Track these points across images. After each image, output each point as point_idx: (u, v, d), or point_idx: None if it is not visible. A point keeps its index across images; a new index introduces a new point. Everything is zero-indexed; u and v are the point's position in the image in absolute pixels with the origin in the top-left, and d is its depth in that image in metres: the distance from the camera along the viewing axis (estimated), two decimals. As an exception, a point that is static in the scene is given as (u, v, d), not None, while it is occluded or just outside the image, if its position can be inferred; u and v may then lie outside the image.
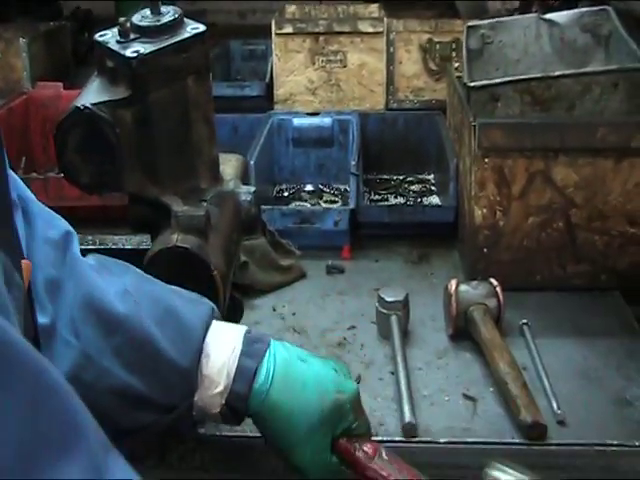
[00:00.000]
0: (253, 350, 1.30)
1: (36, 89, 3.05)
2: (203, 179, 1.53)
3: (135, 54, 1.41)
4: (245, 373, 1.29)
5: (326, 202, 2.70)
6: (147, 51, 1.42)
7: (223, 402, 1.30)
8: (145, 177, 1.46)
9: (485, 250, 2.12)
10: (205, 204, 1.48)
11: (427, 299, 2.11)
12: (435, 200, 2.68)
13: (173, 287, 1.32)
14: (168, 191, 1.47)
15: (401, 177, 2.86)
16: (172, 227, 1.40)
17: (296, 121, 2.84)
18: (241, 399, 1.30)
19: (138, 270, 1.34)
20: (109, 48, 1.45)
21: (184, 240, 1.37)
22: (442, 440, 1.64)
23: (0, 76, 3.39)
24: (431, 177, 2.84)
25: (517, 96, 2.21)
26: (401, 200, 2.70)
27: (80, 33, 4.20)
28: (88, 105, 1.40)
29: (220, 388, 1.28)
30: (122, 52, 1.43)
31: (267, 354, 1.31)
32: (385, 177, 2.86)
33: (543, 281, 2.13)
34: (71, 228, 1.36)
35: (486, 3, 4.17)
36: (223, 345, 1.29)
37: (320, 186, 2.80)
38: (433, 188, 2.77)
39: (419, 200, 2.68)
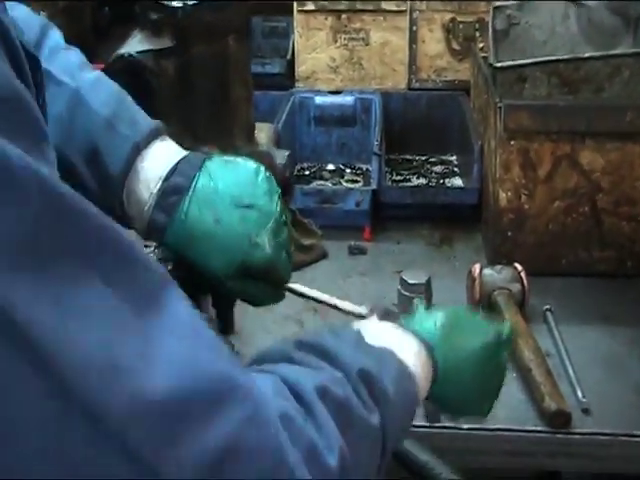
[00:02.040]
0: (166, 205, 1.16)
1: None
2: (239, 138, 1.54)
3: (181, 4, 1.41)
4: (156, 228, 1.17)
5: (347, 182, 2.67)
6: (191, 3, 1.42)
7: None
8: (183, 129, 1.45)
9: (509, 234, 2.09)
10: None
11: (449, 282, 2.08)
12: (458, 182, 2.65)
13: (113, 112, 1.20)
14: (205, 145, 1.46)
15: (423, 158, 2.83)
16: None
17: (318, 99, 2.81)
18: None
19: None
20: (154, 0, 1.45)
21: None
22: (465, 426, 1.62)
23: (20, 50, 3.37)
24: (454, 158, 2.81)
25: (544, 77, 2.18)
26: (423, 181, 2.67)
27: (100, 8, 4.17)
28: (132, 53, 1.40)
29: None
30: (167, 3, 1.43)
31: (179, 211, 1.15)
32: (407, 157, 2.83)
33: (568, 266, 2.10)
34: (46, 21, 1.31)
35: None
36: (141, 191, 1.17)
37: (341, 166, 2.78)
38: (456, 169, 2.74)
39: (442, 181, 2.65)
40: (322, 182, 2.67)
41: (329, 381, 0.85)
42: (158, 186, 1.16)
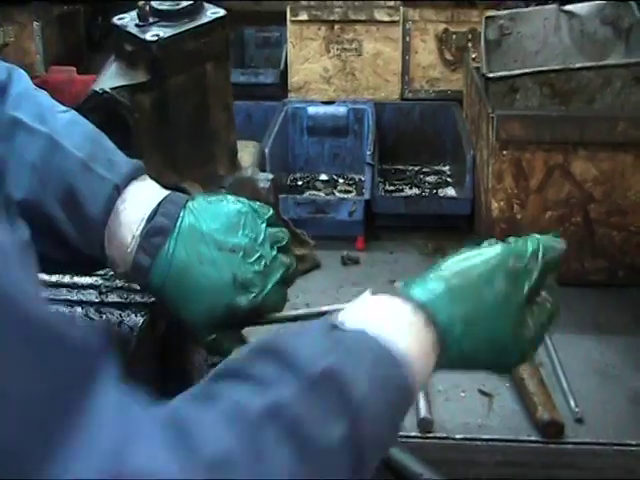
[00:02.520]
0: (150, 246, 1.13)
1: (50, 73, 3.02)
2: (221, 166, 1.51)
3: (155, 38, 1.38)
4: (140, 270, 1.14)
5: (340, 192, 2.67)
6: (167, 35, 1.39)
7: None
8: (163, 163, 1.43)
9: (502, 243, 2.09)
10: (223, 191, 1.45)
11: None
12: (451, 192, 2.66)
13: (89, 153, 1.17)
14: (186, 178, 1.44)
15: (416, 168, 2.84)
16: (190, 215, 1.38)
17: (311, 109, 2.82)
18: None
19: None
20: (128, 32, 1.42)
21: (202, 228, 1.35)
22: (458, 436, 1.62)
23: (13, 59, 3.35)
24: (447, 168, 2.82)
25: (536, 88, 2.19)
26: (416, 191, 2.67)
27: (94, 17, 4.17)
28: (107, 89, 1.37)
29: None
30: (141, 36, 1.40)
31: (163, 252, 1.13)
32: (400, 167, 2.84)
33: (560, 276, 2.08)
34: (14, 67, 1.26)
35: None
36: (123, 233, 1.14)
37: (334, 176, 2.78)
38: (449, 179, 2.75)
39: (435, 192, 2.66)
40: (315, 192, 2.68)
41: (278, 401, 0.78)
42: (141, 228, 1.12)
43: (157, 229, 1.12)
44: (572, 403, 1.66)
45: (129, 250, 1.13)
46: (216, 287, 1.14)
